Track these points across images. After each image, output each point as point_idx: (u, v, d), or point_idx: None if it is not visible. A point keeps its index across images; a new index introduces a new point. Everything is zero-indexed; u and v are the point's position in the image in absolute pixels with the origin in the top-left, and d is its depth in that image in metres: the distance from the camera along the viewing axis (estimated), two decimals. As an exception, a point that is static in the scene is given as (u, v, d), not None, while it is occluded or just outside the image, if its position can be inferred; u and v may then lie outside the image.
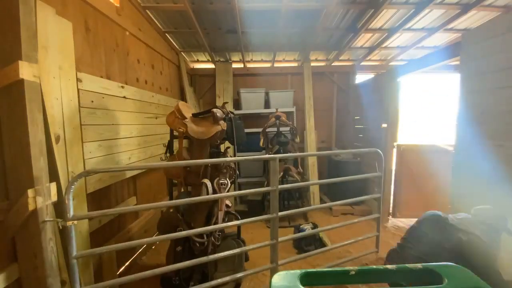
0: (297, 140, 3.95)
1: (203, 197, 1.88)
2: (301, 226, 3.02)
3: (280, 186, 2.09)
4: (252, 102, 4.59)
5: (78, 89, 1.87)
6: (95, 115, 2.06)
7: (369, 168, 3.80)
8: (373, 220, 2.84)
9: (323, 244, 2.85)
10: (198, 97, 4.96)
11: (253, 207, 3.98)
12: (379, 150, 2.63)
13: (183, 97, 4.46)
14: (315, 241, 2.87)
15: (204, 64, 5.12)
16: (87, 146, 1.96)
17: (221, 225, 1.98)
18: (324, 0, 2.98)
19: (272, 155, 2.08)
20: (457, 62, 2.41)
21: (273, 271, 2.19)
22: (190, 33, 3.80)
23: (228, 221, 2.17)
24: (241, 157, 2.12)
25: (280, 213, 2.13)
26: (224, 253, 1.96)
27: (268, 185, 2.23)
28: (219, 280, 1.91)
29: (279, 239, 2.14)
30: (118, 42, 2.51)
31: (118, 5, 2.48)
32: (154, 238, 1.84)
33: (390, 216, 3.78)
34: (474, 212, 1.79)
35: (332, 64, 5.09)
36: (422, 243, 1.97)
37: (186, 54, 4.69)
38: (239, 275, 2.01)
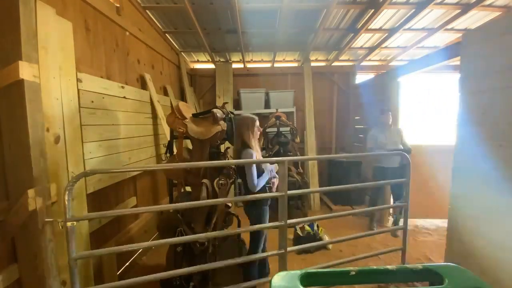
0: (297, 140, 3.95)
1: (205, 201, 1.84)
2: (296, 227, 3.08)
3: (289, 192, 1.87)
4: (252, 102, 4.58)
5: (78, 89, 1.87)
6: (95, 115, 2.06)
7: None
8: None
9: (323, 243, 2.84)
10: (198, 97, 4.96)
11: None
12: (405, 153, 2.31)
13: (183, 97, 4.46)
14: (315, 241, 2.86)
15: (204, 64, 5.12)
16: (87, 146, 1.95)
17: (223, 231, 1.93)
18: (324, 0, 2.98)
19: (281, 158, 1.89)
20: (457, 62, 2.41)
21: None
22: (190, 33, 3.80)
23: (228, 221, 2.16)
24: (245, 159, 1.90)
25: (289, 221, 1.87)
26: (225, 261, 1.81)
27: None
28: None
29: (288, 249, 1.90)
30: (118, 42, 2.51)
31: (118, 5, 2.48)
32: (154, 242, 1.78)
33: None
34: None
35: (332, 64, 5.09)
36: None
37: (186, 54, 4.70)
38: (243, 285, 1.85)
